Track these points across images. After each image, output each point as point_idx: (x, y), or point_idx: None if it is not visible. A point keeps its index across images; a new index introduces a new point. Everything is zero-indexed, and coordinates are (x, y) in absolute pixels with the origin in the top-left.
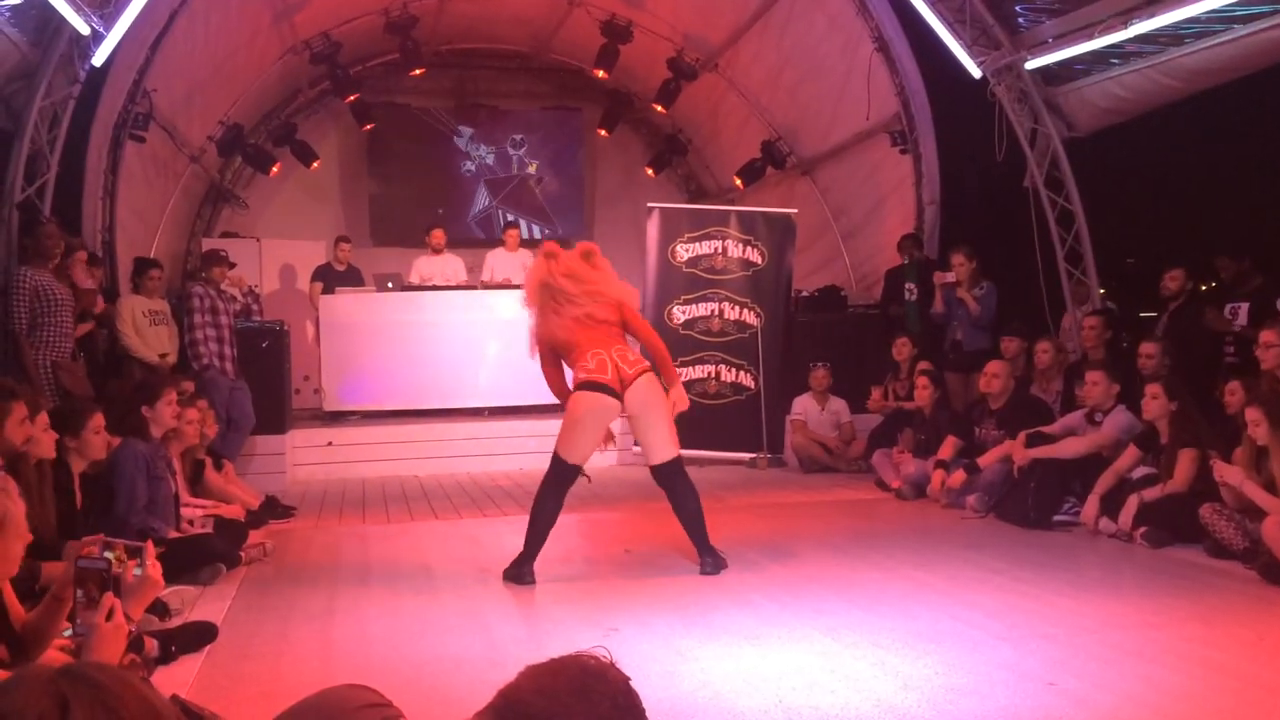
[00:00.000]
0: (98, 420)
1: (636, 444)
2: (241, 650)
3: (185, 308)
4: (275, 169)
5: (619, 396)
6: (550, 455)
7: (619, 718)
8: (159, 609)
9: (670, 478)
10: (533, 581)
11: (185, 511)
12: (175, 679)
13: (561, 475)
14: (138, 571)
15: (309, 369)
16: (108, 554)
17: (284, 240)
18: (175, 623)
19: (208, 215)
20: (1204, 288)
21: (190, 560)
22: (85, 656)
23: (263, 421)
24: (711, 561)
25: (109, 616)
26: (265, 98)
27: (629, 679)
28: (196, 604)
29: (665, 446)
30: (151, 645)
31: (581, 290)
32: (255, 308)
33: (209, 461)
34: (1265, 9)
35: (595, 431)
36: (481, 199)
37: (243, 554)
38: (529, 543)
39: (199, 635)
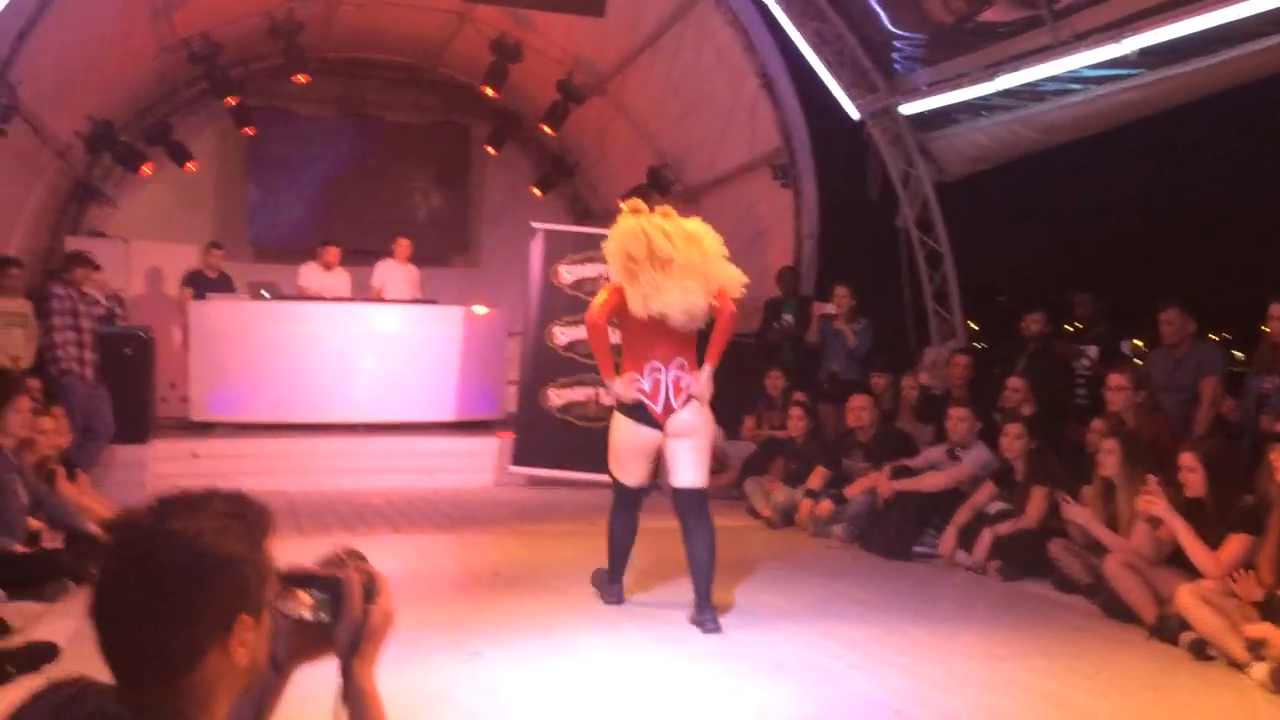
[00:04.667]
0: None
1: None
2: (83, 671)
3: (44, 309)
4: (147, 168)
5: (661, 426)
6: (415, 473)
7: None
8: None
9: (691, 507)
10: (618, 602)
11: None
12: (10, 700)
13: (625, 497)
14: None
15: (175, 377)
16: None
17: (154, 242)
18: (15, 641)
19: (74, 212)
20: (1066, 327)
21: (35, 576)
22: None
23: (123, 430)
24: (710, 620)
25: None
26: (139, 95)
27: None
28: (40, 622)
29: (696, 471)
30: None
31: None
32: (119, 312)
33: (61, 472)
34: (1118, 72)
35: (641, 459)
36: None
37: (93, 570)
38: (612, 566)
39: (38, 655)
